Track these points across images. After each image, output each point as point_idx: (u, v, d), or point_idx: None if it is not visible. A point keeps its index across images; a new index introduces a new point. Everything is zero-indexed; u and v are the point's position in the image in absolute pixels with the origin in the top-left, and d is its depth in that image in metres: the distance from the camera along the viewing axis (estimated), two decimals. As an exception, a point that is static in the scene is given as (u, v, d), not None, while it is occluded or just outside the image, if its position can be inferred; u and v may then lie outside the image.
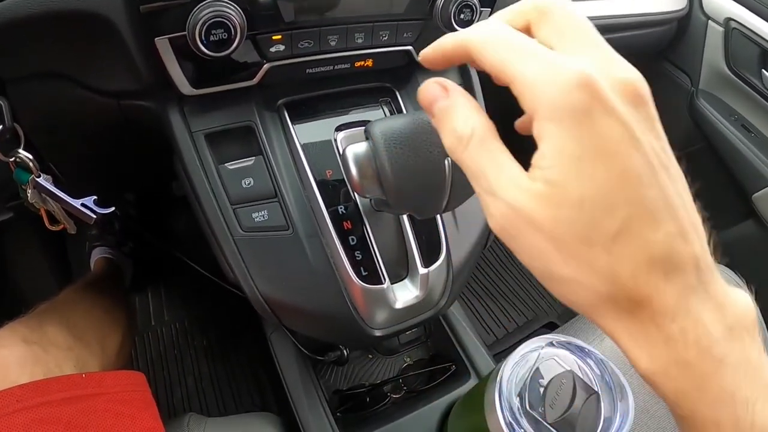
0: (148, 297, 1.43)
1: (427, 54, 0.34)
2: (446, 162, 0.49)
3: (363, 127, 0.66)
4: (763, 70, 1.09)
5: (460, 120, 0.30)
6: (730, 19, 1.11)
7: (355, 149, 0.50)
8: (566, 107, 0.25)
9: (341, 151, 0.64)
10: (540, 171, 0.27)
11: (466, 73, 0.76)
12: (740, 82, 1.15)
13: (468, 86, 0.75)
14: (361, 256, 0.61)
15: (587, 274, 0.27)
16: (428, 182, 0.49)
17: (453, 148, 0.30)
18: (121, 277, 1.28)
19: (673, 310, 0.27)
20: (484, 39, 0.29)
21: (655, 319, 0.27)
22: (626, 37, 1.06)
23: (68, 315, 0.81)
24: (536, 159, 0.27)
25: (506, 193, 0.27)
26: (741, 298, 0.29)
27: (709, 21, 1.15)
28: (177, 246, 1.22)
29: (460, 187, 0.51)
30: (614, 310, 0.28)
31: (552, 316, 1.56)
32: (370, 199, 0.62)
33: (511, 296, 1.60)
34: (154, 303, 1.42)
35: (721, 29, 1.13)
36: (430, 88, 0.32)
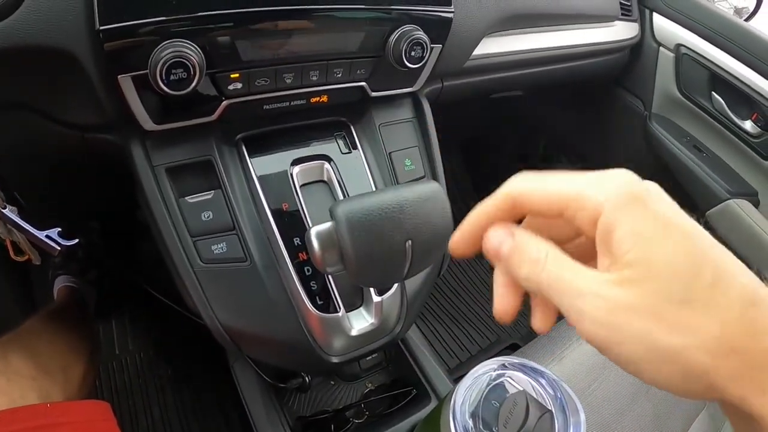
0: (112, 326, 1.41)
1: (459, 239, 0.36)
2: (407, 245, 0.51)
3: (318, 162, 0.68)
4: (713, 92, 1.14)
5: (533, 248, 0.32)
6: (681, 45, 1.15)
7: (318, 229, 0.52)
8: (629, 197, 0.29)
9: (303, 210, 0.65)
10: (621, 257, 0.29)
11: (420, 107, 0.78)
12: (691, 104, 1.19)
13: (422, 120, 0.78)
14: (316, 286, 0.63)
15: (698, 332, 0.27)
16: (389, 265, 0.52)
17: (531, 272, 0.32)
18: (85, 306, 1.26)
19: None
20: (530, 182, 0.33)
21: None
22: (582, 65, 1.09)
23: (32, 345, 0.80)
24: (615, 248, 0.29)
25: (597, 289, 0.29)
26: None
27: (661, 47, 1.20)
28: (141, 274, 1.21)
29: (418, 263, 0.54)
30: (740, 368, 0.27)
31: (515, 337, 1.55)
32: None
33: (473, 319, 1.60)
34: (118, 332, 1.40)
35: (672, 55, 1.18)
36: (495, 234, 0.34)
